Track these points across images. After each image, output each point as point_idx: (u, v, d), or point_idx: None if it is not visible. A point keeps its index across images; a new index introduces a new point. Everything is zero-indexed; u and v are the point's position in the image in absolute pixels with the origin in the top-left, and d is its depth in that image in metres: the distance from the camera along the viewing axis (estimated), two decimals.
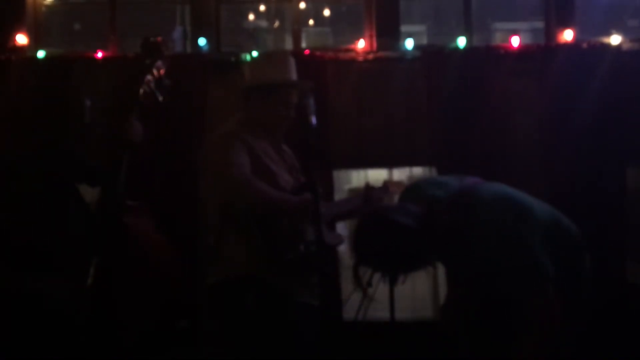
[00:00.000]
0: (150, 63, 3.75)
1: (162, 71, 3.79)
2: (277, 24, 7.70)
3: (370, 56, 5.69)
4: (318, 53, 5.64)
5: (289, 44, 6.26)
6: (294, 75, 3.67)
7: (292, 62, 3.69)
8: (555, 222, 3.30)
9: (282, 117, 3.62)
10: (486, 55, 5.64)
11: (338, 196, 5.45)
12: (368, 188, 3.80)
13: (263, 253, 3.40)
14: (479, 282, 3.22)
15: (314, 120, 3.31)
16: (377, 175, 5.67)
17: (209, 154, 3.55)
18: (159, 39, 3.80)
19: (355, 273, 3.17)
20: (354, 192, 4.30)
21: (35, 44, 5.75)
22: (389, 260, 3.12)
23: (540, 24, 6.09)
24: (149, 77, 3.73)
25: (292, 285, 3.45)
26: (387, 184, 3.90)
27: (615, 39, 5.59)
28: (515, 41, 5.61)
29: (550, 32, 5.86)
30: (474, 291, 3.29)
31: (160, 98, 3.78)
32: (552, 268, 3.12)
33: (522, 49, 5.62)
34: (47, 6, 6.18)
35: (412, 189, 3.42)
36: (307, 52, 5.65)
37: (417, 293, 6.13)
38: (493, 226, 3.11)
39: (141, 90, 3.72)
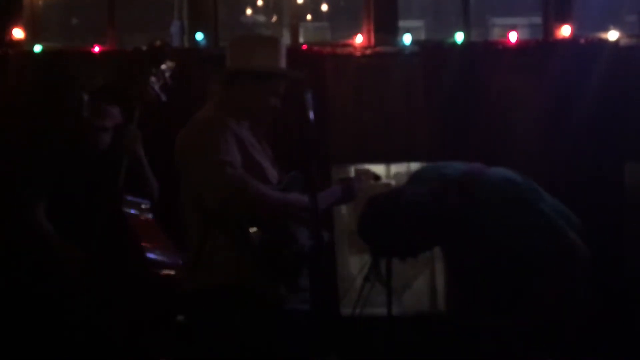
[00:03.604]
0: (155, 66, 3.80)
1: (167, 74, 3.84)
2: (275, 18, 7.67)
3: (369, 51, 5.69)
4: (316, 48, 5.64)
5: (286, 39, 6.23)
6: (283, 64, 3.39)
7: (283, 49, 3.40)
8: (559, 205, 3.36)
9: (268, 107, 3.34)
10: (484, 51, 5.65)
11: None
12: (344, 180, 3.70)
13: (254, 260, 3.14)
14: (491, 258, 3.23)
15: (311, 115, 3.14)
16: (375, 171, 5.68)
17: (191, 146, 3.21)
18: (163, 41, 3.84)
19: (376, 268, 3.18)
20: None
21: (32, 39, 5.74)
22: (405, 243, 3.15)
23: (538, 20, 6.09)
24: (153, 78, 3.79)
25: (281, 293, 3.20)
26: (359, 173, 3.81)
27: (613, 35, 5.60)
28: (513, 37, 5.61)
29: (548, 27, 5.86)
30: (485, 269, 3.29)
31: (164, 99, 3.84)
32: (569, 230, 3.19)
33: (520, 44, 5.62)
34: (45, 0, 6.17)
35: (422, 171, 3.47)
36: (305, 46, 5.64)
37: (414, 287, 6.15)
38: (503, 200, 3.17)
39: (145, 91, 3.77)
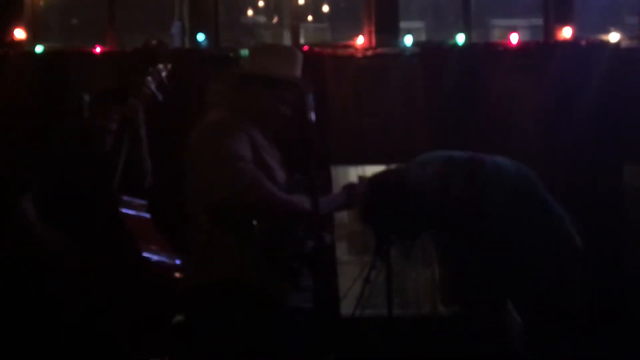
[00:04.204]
0: (152, 66, 3.80)
1: (163, 73, 3.84)
2: (275, 19, 7.69)
3: (369, 52, 5.70)
4: (317, 49, 5.64)
5: (287, 40, 6.23)
6: (298, 74, 3.46)
7: (300, 60, 3.47)
8: (554, 200, 3.41)
9: (279, 113, 3.40)
10: (485, 52, 5.65)
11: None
12: (348, 186, 3.73)
13: (258, 257, 3.19)
14: (493, 239, 3.25)
15: (312, 116, 3.24)
16: (374, 171, 5.68)
17: (204, 143, 3.26)
18: (158, 41, 3.83)
19: (380, 250, 3.21)
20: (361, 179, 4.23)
21: (33, 39, 5.74)
22: (409, 222, 3.17)
23: (539, 21, 6.10)
24: (149, 78, 3.78)
25: (283, 290, 3.24)
26: (364, 180, 3.85)
27: (613, 37, 5.60)
28: (514, 38, 5.61)
29: (549, 29, 5.86)
30: (483, 252, 3.30)
31: (161, 98, 3.83)
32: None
33: (521, 46, 5.62)
34: (45, 1, 6.17)
35: (427, 155, 3.48)
36: (305, 48, 5.64)
37: (415, 289, 6.15)
38: (510, 181, 3.25)
39: (142, 91, 3.76)
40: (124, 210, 3.84)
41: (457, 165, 3.29)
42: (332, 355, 3.33)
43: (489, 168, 3.27)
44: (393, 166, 3.70)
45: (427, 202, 3.17)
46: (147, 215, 3.99)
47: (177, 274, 3.76)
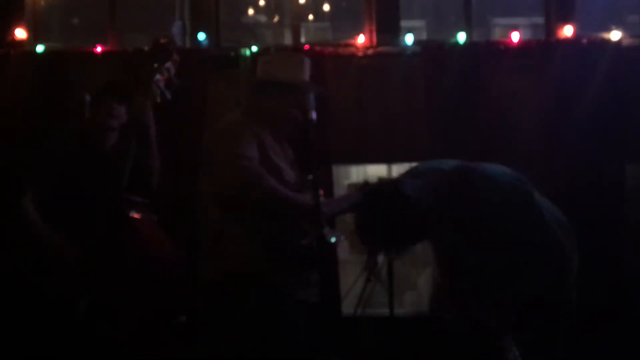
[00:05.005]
0: (160, 64, 3.80)
1: (172, 72, 3.85)
2: (276, 19, 7.69)
3: (370, 51, 5.70)
4: (318, 48, 5.64)
5: (288, 39, 6.23)
6: (307, 79, 3.64)
7: (308, 65, 3.65)
8: (549, 203, 3.46)
9: (291, 118, 3.55)
10: (486, 51, 5.65)
11: (337, 191, 5.47)
12: (363, 186, 3.78)
13: (265, 250, 3.36)
14: (484, 245, 3.27)
15: (314, 115, 3.33)
16: (376, 171, 5.68)
17: (215, 143, 3.47)
18: (167, 40, 3.85)
19: (374, 267, 3.24)
20: (354, 187, 4.28)
21: (34, 39, 5.74)
22: (403, 234, 3.20)
23: (540, 20, 6.09)
24: (158, 76, 3.78)
25: (292, 283, 3.41)
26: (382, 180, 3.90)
27: (615, 35, 5.60)
28: (515, 37, 5.61)
29: (550, 27, 5.86)
30: (475, 258, 3.32)
31: (169, 97, 3.86)
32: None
33: (522, 44, 5.62)
34: (46, 0, 6.17)
35: (417, 166, 3.56)
36: (306, 47, 5.65)
37: (417, 289, 6.15)
38: (499, 189, 3.29)
39: (151, 90, 3.77)
40: (127, 210, 3.85)
41: (447, 174, 3.34)
42: (333, 356, 3.36)
43: (477, 176, 3.32)
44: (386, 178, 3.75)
45: (420, 212, 3.20)
46: (150, 215, 4.00)
47: (181, 273, 3.78)
